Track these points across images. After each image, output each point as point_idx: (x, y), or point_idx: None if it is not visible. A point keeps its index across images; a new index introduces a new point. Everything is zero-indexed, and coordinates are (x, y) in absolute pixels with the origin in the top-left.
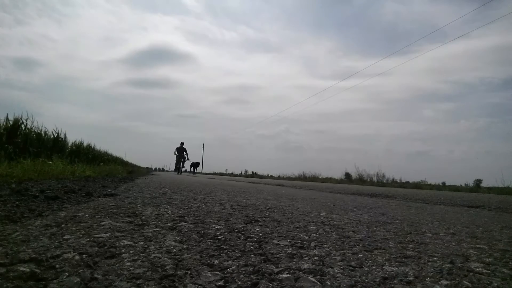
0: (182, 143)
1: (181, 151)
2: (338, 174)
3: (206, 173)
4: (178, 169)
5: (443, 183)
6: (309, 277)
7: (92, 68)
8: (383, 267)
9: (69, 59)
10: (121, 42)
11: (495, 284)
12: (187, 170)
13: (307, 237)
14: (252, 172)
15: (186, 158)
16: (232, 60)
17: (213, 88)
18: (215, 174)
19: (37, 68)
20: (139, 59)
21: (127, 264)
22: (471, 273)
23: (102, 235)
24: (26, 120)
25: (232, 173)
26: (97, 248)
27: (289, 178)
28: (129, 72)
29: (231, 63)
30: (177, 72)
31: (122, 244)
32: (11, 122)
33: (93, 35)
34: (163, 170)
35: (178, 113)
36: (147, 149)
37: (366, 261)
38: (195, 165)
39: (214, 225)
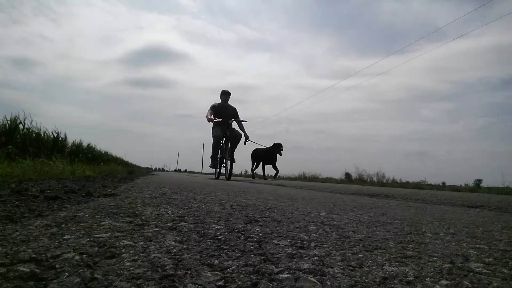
0: (226, 94)
1: (226, 114)
2: (338, 174)
3: (206, 173)
4: (218, 163)
5: (443, 183)
6: (309, 277)
7: (89, 67)
8: (383, 267)
9: (67, 59)
10: (118, 41)
11: (495, 284)
12: (257, 172)
13: (307, 237)
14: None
15: (245, 136)
16: (230, 60)
17: (211, 88)
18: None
19: (34, 68)
20: (136, 59)
21: (127, 264)
22: (471, 273)
23: (102, 235)
24: (24, 120)
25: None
26: (97, 248)
27: (289, 178)
28: (127, 72)
29: (229, 63)
30: (174, 72)
31: (122, 244)
32: (10, 122)
33: (89, 34)
34: (163, 170)
35: (176, 113)
36: (147, 149)
37: (366, 261)
38: (272, 154)
39: (214, 225)
